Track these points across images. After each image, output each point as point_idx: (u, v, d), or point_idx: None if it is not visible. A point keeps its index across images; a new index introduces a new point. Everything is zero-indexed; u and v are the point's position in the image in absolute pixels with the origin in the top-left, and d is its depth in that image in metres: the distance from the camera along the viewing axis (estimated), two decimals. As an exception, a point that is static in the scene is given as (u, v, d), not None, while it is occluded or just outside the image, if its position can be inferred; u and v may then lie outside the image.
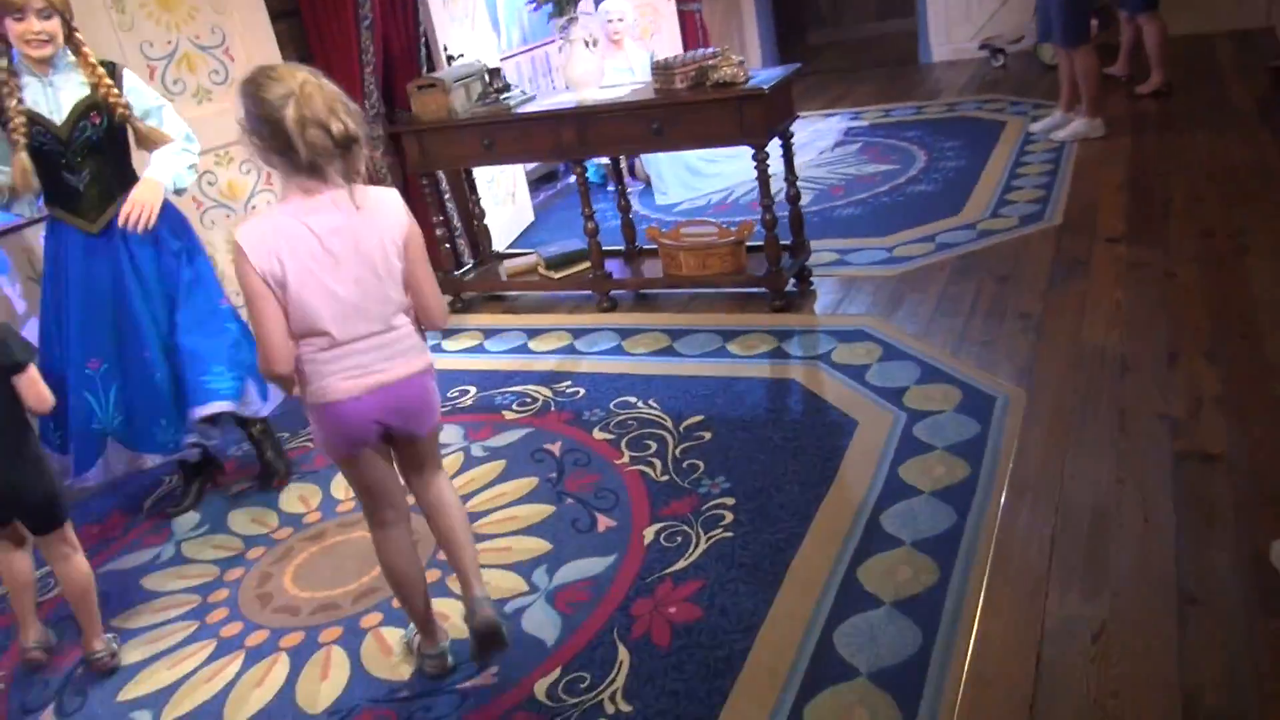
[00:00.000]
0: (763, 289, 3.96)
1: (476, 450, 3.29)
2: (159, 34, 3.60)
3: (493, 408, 3.57)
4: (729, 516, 2.65)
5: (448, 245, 4.59)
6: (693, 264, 4.06)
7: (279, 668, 2.42)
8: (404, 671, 2.32)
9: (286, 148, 1.83)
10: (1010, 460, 2.66)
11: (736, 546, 2.52)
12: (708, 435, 3.09)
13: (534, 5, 4.05)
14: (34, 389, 2.35)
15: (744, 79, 3.61)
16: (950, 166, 5.37)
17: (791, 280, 4.04)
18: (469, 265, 4.82)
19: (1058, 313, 3.45)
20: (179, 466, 3.34)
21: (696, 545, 2.56)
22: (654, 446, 3.08)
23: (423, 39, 4.63)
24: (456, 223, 4.91)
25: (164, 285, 3.05)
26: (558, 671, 2.21)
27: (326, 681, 2.33)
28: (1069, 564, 2.24)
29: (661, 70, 3.76)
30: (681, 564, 2.49)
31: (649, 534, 2.65)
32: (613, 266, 4.41)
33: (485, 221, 4.98)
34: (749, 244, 4.05)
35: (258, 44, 3.86)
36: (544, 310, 4.45)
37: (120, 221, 2.86)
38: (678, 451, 3.03)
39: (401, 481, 2.22)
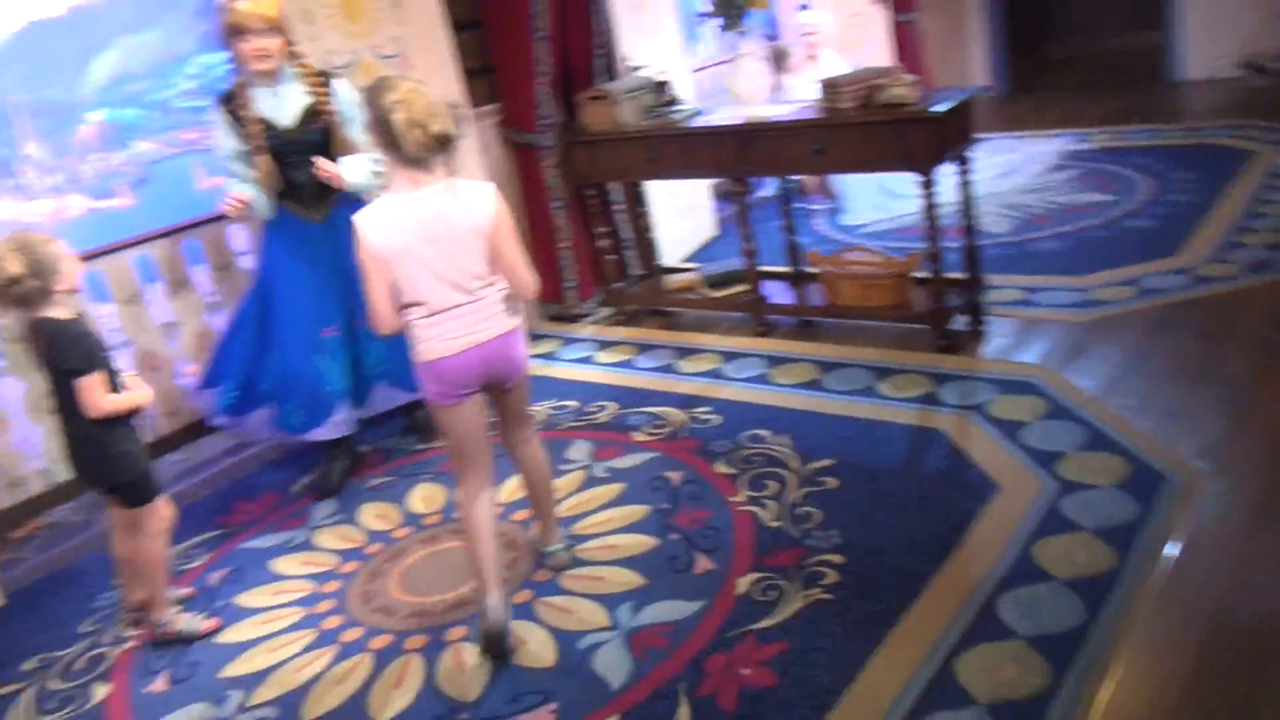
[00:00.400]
0: (926, 326, 3.69)
1: (599, 470, 3.25)
2: (342, 44, 3.80)
3: (625, 427, 3.53)
4: (832, 576, 2.47)
5: (612, 256, 4.59)
6: (854, 293, 3.85)
7: (361, 669, 2.48)
8: (472, 691, 2.32)
9: (395, 144, 2.20)
10: (1167, 556, 2.31)
11: (831, 612, 2.34)
12: (832, 482, 2.90)
13: (705, 17, 3.97)
14: (87, 395, 2.46)
15: (914, 101, 3.36)
16: (1178, 200, 4.81)
17: (963, 319, 3.74)
18: (635, 277, 4.81)
19: (1269, 384, 2.98)
20: (327, 450, 3.52)
21: (790, 604, 2.39)
22: (773, 488, 2.93)
23: (603, 50, 4.65)
24: (627, 234, 4.93)
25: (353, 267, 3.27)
26: (615, 719, 2.13)
27: (398, 690, 2.37)
28: (1211, 697, 1.91)
29: (829, 88, 3.57)
30: (768, 622, 2.34)
31: (744, 584, 2.51)
32: (778, 289, 4.27)
33: (657, 234, 4.97)
34: (920, 275, 3.79)
35: (436, 55, 4.02)
36: (702, 329, 4.35)
37: (316, 170, 3.17)
38: (797, 496, 2.86)
39: (489, 454, 2.50)
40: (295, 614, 2.78)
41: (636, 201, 4.81)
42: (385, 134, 2.21)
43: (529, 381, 2.56)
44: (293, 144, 3.23)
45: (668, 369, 3.99)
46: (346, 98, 3.28)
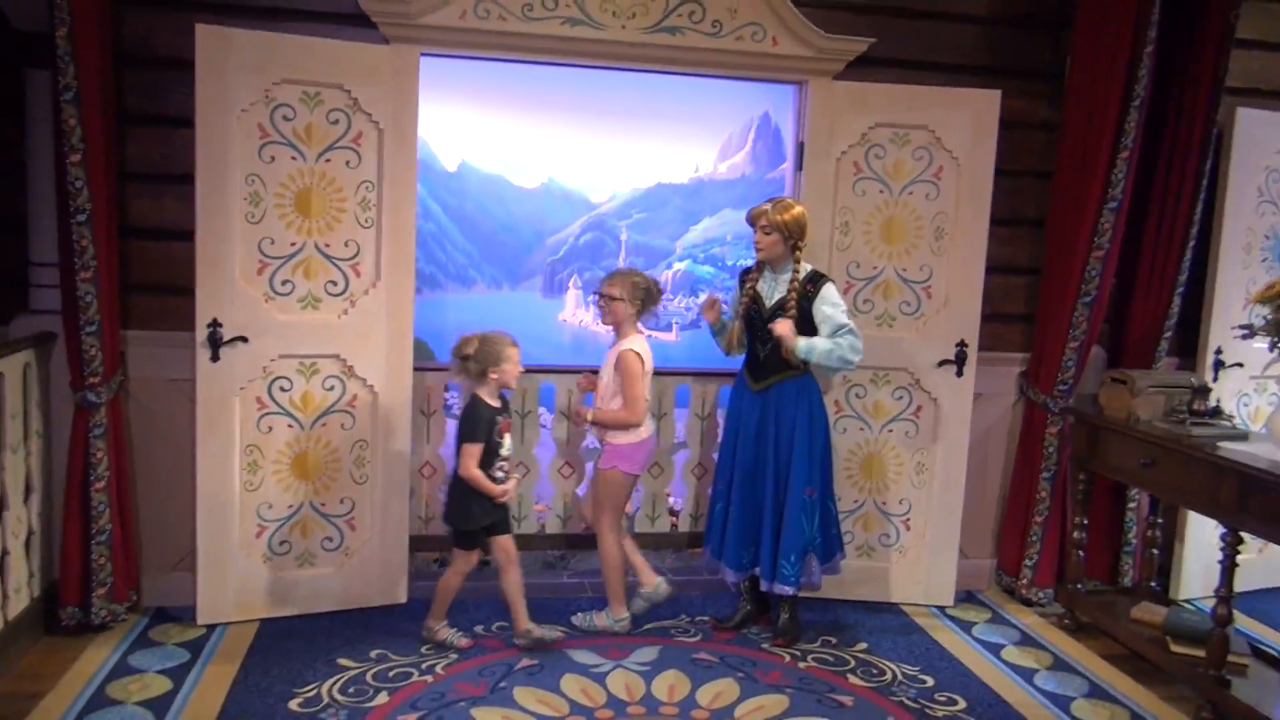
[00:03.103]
0: None
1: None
2: (870, 260, 4.06)
3: (950, 736, 3.15)
4: None
5: (1081, 552, 4.04)
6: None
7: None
8: None
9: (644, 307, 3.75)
10: None
11: None
12: None
13: (1245, 334, 3.32)
14: (462, 457, 3.41)
15: None
16: None
17: None
18: (1112, 588, 4.20)
19: None
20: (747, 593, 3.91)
21: None
22: None
23: (1174, 318, 4.19)
24: (1133, 536, 4.29)
25: (788, 441, 3.68)
26: None
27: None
28: None
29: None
30: None
31: None
32: (1267, 679, 3.35)
33: (1187, 552, 4.23)
34: None
35: (965, 291, 4.00)
36: (1144, 679, 3.57)
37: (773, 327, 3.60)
38: None
39: None
40: (536, 726, 3.10)
41: (1154, 507, 4.15)
42: (643, 301, 3.75)
43: None
44: (763, 322, 3.67)
45: (1062, 702, 3.40)
46: (826, 300, 3.58)
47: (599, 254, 6.06)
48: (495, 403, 3.49)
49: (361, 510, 3.86)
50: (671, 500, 4.53)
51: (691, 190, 6.54)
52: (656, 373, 4.18)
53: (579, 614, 3.87)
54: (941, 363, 4.07)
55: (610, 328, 3.87)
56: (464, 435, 3.43)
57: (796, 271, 3.64)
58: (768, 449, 3.70)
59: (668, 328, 6.25)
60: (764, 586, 3.74)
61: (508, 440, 3.56)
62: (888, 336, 4.08)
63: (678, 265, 6.46)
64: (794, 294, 3.62)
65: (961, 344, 4.05)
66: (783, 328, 3.57)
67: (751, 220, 3.67)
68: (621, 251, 6.40)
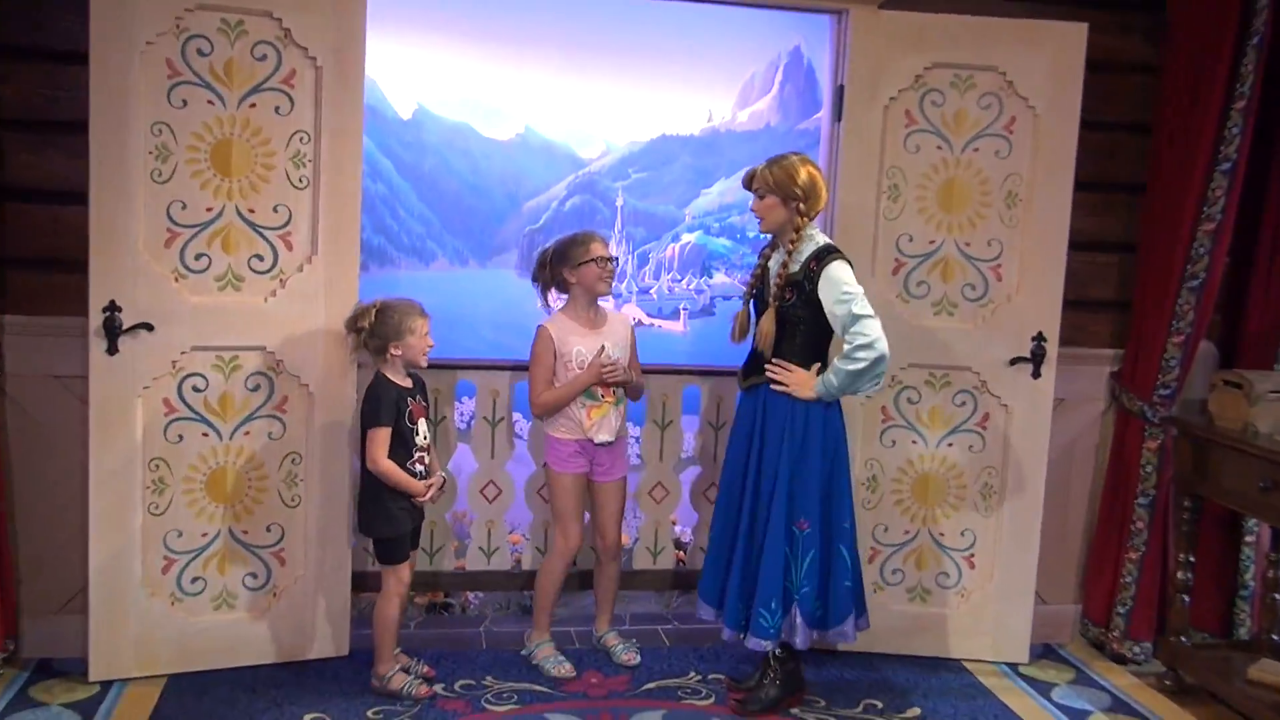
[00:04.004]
0: None
1: None
2: (925, 232, 4.03)
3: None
4: None
5: (1186, 597, 4.01)
6: None
7: None
8: None
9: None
10: None
11: None
12: None
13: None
14: (369, 445, 3.46)
15: None
16: None
17: None
18: (1223, 642, 4.17)
19: None
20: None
21: None
22: None
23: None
24: (1251, 578, 4.26)
25: (774, 455, 3.54)
26: None
27: None
28: None
29: None
30: None
31: None
32: None
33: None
34: None
35: (1041, 269, 3.99)
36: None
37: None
38: None
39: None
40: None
41: (1276, 541, 4.13)
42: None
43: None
44: (765, 305, 3.60)
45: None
46: (830, 281, 3.41)
47: (588, 223, 6.00)
48: (404, 381, 3.56)
49: (293, 540, 3.84)
50: (678, 529, 4.51)
51: (704, 144, 6.50)
52: (659, 371, 4.17)
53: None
54: (1014, 360, 4.04)
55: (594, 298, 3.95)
56: (367, 419, 3.47)
57: (795, 240, 3.50)
58: (751, 464, 3.58)
59: (674, 315, 6.21)
60: (725, 636, 3.60)
61: (423, 427, 3.62)
62: (947, 328, 4.07)
63: (687, 237, 6.39)
64: (781, 277, 3.51)
65: (1039, 337, 4.03)
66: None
67: (746, 184, 3.63)
68: (617, 219, 6.36)
